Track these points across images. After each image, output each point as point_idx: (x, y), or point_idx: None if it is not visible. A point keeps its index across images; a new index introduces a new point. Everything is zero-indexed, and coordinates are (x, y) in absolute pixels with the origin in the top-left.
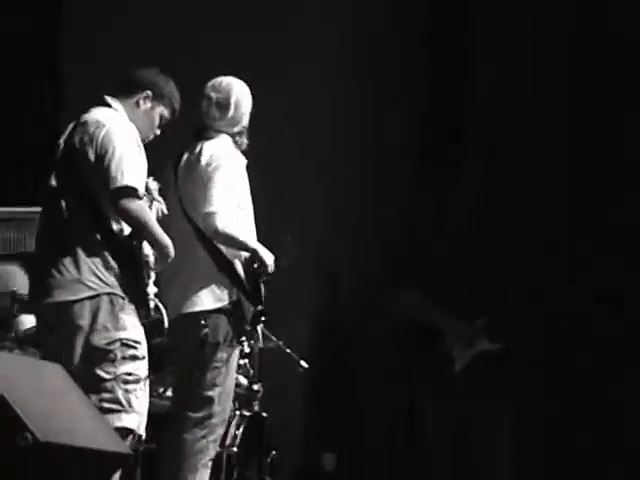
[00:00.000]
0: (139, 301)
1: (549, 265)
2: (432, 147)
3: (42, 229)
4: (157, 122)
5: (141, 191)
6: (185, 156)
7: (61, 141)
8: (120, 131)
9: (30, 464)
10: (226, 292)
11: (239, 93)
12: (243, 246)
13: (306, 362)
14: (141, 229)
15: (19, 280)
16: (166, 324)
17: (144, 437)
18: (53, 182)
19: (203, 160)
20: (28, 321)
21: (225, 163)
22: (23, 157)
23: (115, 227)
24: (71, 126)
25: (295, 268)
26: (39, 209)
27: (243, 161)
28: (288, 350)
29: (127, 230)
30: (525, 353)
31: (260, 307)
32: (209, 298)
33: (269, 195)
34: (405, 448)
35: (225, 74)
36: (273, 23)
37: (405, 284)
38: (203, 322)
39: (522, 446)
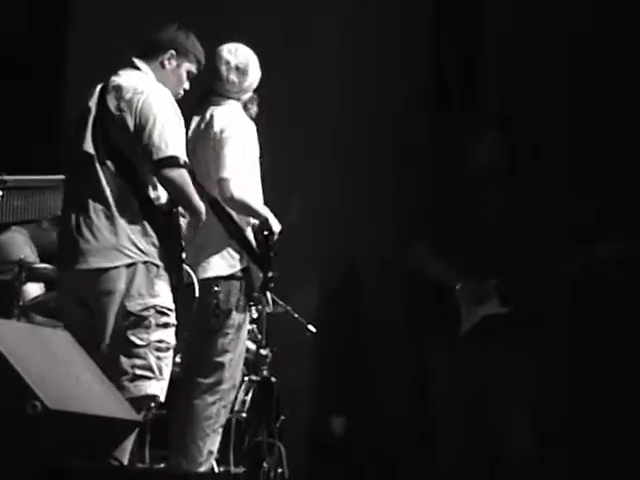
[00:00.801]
0: (174, 268)
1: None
2: (445, 110)
3: (74, 194)
4: (185, 78)
5: (183, 159)
6: (194, 122)
7: (91, 104)
8: (158, 98)
9: (39, 432)
10: (237, 258)
11: (254, 60)
12: (255, 214)
13: (314, 326)
14: (182, 197)
15: (26, 248)
16: (197, 291)
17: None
18: (88, 148)
19: (216, 126)
20: (35, 289)
21: (238, 130)
22: (23, 127)
23: (152, 194)
24: (99, 89)
25: (304, 233)
26: (44, 177)
27: (254, 127)
28: (296, 315)
29: (163, 197)
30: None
31: (270, 273)
32: (221, 264)
33: (278, 162)
34: (415, 412)
35: None
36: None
37: (420, 240)
38: (216, 288)
39: (539, 403)
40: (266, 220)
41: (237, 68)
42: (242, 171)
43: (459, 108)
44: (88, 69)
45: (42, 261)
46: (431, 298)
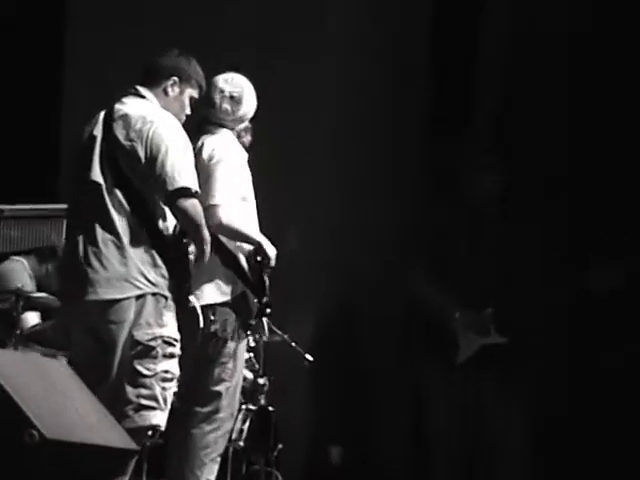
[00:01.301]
0: (182, 298)
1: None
2: (443, 136)
3: (80, 223)
4: (187, 104)
5: (195, 189)
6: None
7: (96, 132)
8: (168, 127)
9: (37, 461)
10: (231, 285)
11: (249, 89)
12: (247, 239)
13: (311, 356)
14: (194, 228)
15: (24, 278)
16: (201, 322)
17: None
18: (96, 177)
19: (205, 154)
20: (33, 318)
21: (227, 157)
22: (24, 156)
23: (162, 225)
24: (102, 116)
25: (301, 261)
26: (42, 207)
27: (244, 155)
28: (293, 344)
29: (172, 228)
30: (537, 346)
31: (265, 299)
32: (214, 292)
33: (274, 186)
34: (411, 441)
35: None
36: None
37: (416, 268)
38: (212, 317)
39: (531, 432)
40: (259, 245)
41: (231, 97)
42: (231, 197)
43: (456, 134)
44: (84, 100)
45: (40, 290)
46: (428, 327)
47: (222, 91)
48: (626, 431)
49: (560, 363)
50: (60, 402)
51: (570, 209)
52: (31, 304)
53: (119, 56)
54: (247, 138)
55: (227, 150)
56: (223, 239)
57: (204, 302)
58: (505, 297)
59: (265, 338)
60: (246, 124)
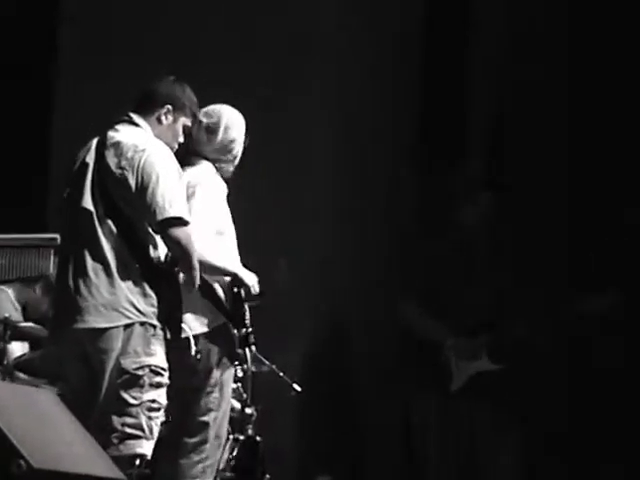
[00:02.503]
0: (172, 328)
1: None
2: (434, 170)
3: (71, 251)
4: (180, 132)
5: (186, 218)
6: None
7: (88, 160)
8: (160, 157)
9: None
10: (211, 316)
11: (230, 120)
12: (221, 272)
13: (299, 385)
14: (186, 257)
15: (9, 307)
16: (193, 350)
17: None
18: (87, 204)
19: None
20: (19, 348)
21: (200, 190)
22: (12, 186)
23: (152, 254)
24: (95, 144)
25: (288, 291)
26: (27, 236)
27: (223, 187)
28: (281, 374)
29: (162, 257)
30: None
31: (245, 330)
32: (195, 323)
33: (262, 216)
34: (401, 469)
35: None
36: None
37: (408, 299)
38: (195, 347)
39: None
40: (235, 276)
41: (207, 128)
42: (204, 232)
43: (447, 167)
44: (74, 130)
45: (27, 320)
46: (421, 355)
47: (200, 122)
48: (623, 457)
49: (557, 388)
50: (48, 432)
51: (569, 227)
52: (18, 334)
53: (111, 85)
54: (228, 169)
55: (201, 183)
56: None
57: (186, 334)
58: (498, 325)
59: (250, 368)
60: (229, 157)
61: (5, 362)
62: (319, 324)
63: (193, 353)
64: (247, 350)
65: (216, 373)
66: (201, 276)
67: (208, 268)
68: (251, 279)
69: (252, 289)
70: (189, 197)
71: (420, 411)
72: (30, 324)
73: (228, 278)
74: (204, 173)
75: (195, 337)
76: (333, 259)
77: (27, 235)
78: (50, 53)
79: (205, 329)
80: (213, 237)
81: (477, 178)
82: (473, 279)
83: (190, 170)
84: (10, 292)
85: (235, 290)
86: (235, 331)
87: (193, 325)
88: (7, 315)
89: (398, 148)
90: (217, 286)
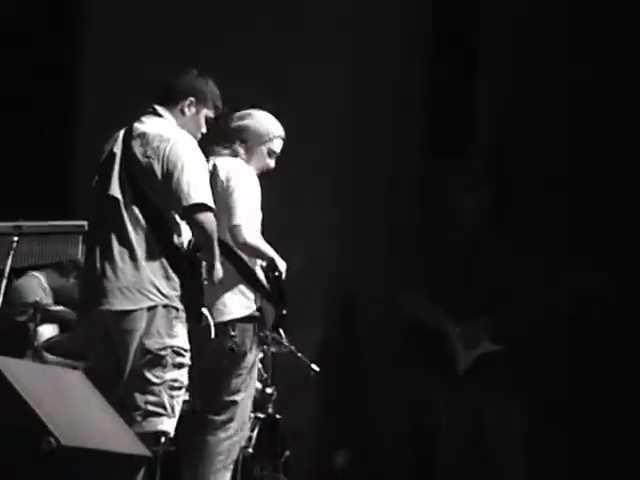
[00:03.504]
0: (194, 310)
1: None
2: (438, 160)
3: (98, 238)
4: (203, 124)
5: (211, 205)
6: None
7: (115, 150)
8: (184, 145)
9: (54, 467)
10: (252, 298)
11: (259, 118)
12: (263, 255)
13: (317, 365)
14: (209, 242)
15: (41, 291)
16: (213, 333)
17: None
18: (115, 192)
19: (222, 175)
20: (49, 331)
21: (245, 178)
22: (42, 175)
23: (176, 240)
24: (122, 134)
25: (307, 278)
26: (58, 223)
27: (255, 174)
28: (300, 354)
29: (186, 244)
30: (531, 351)
31: (284, 310)
32: (237, 307)
33: (279, 205)
34: (414, 446)
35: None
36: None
37: (412, 286)
38: (232, 333)
39: (535, 438)
40: (272, 261)
41: (237, 129)
42: (251, 216)
43: (451, 158)
44: (102, 118)
45: (57, 303)
46: (426, 340)
47: (231, 123)
48: (627, 429)
49: (559, 367)
50: (76, 411)
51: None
52: (48, 317)
53: (138, 73)
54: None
55: (243, 171)
56: (242, 255)
57: (229, 317)
58: (500, 308)
59: (285, 346)
60: (262, 152)
61: (36, 344)
62: (334, 309)
63: (213, 336)
64: (281, 330)
65: (249, 356)
66: (243, 260)
67: (256, 253)
68: (283, 265)
69: (283, 275)
70: (235, 185)
71: (430, 392)
72: (60, 307)
73: (262, 262)
74: (239, 161)
75: (232, 321)
76: (346, 247)
77: (56, 222)
78: (76, 49)
79: (247, 312)
80: (258, 222)
81: (479, 170)
82: (474, 266)
83: (222, 160)
84: (41, 277)
85: (277, 273)
86: (272, 313)
87: (236, 309)
88: (37, 299)
89: (404, 141)
90: (258, 269)
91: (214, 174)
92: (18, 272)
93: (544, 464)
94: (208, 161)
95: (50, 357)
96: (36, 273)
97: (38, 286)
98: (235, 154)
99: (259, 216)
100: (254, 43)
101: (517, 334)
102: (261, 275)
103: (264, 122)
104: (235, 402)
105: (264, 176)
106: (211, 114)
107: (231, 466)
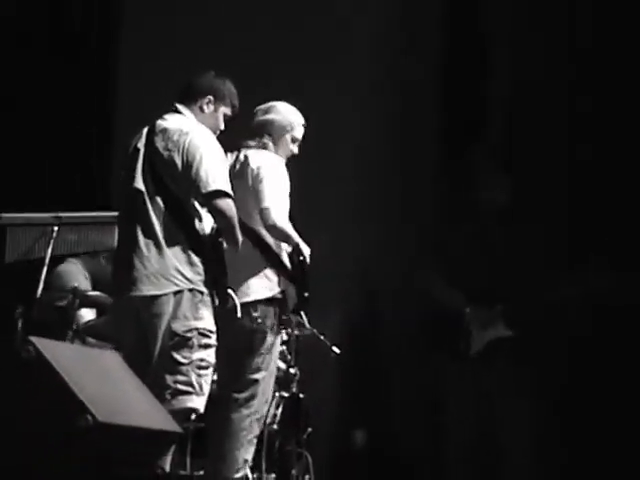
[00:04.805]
0: (219, 292)
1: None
2: (453, 151)
3: (126, 228)
4: (221, 121)
5: (229, 191)
6: (229, 161)
7: (139, 145)
8: (203, 138)
9: (91, 443)
10: (275, 281)
11: (281, 108)
12: (289, 239)
13: (338, 348)
14: (230, 227)
15: (80, 277)
16: (239, 313)
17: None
18: (139, 185)
19: (253, 164)
20: (87, 314)
21: (273, 165)
22: (81, 170)
23: (198, 226)
24: (145, 131)
25: (328, 263)
26: (96, 214)
27: (284, 164)
28: (321, 337)
29: (207, 229)
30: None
31: (307, 294)
32: (261, 288)
33: (300, 192)
34: (431, 426)
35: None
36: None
37: (431, 269)
38: (255, 313)
39: (544, 419)
40: (297, 245)
41: (260, 122)
42: (281, 200)
43: (466, 149)
44: (136, 113)
45: (94, 289)
46: (441, 323)
47: (255, 118)
48: (631, 417)
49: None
50: (112, 390)
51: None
52: (86, 302)
53: (138, 73)
54: (289, 151)
55: (272, 161)
56: (268, 239)
57: (253, 298)
58: (513, 295)
59: (307, 329)
60: (286, 142)
61: (75, 327)
62: (355, 293)
63: (239, 316)
64: (303, 313)
65: (270, 337)
66: (269, 245)
67: (283, 236)
68: (307, 250)
69: (307, 259)
70: (265, 172)
71: (444, 373)
72: (97, 292)
73: (287, 247)
74: (268, 153)
75: (254, 303)
76: (367, 235)
77: (93, 213)
78: (111, 45)
79: (270, 294)
80: (286, 207)
81: (493, 163)
82: (490, 253)
83: (254, 152)
84: (80, 264)
85: (301, 258)
86: (295, 296)
87: (260, 291)
88: (76, 285)
89: (419, 132)
90: (284, 253)
91: (245, 164)
92: (57, 259)
93: (551, 450)
94: (239, 154)
95: (88, 339)
96: (74, 260)
97: (78, 272)
98: (264, 146)
99: (287, 203)
100: (254, 43)
101: (532, 320)
102: (286, 259)
103: (286, 113)
104: (256, 380)
105: (290, 163)
106: (228, 112)
107: (254, 440)
